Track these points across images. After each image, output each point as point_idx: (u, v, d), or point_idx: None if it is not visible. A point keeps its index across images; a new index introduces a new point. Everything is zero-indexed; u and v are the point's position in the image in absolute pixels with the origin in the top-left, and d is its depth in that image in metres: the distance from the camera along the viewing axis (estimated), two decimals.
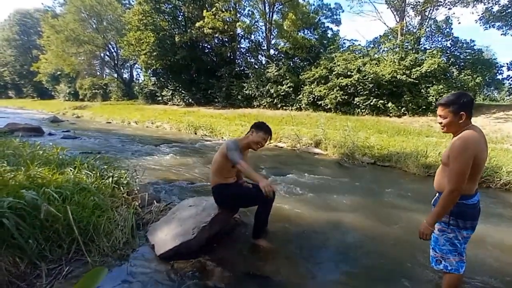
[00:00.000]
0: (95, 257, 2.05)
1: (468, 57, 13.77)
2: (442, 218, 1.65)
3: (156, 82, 23.93)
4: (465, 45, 14.14)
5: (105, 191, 2.74)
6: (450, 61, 13.69)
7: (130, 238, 2.36)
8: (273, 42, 19.91)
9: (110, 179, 3.01)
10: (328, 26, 21.03)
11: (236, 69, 19.83)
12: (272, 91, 16.41)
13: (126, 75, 33.60)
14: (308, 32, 19.87)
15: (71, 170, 2.90)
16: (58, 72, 32.71)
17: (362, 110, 13.72)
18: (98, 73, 35.97)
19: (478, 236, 2.72)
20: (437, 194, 1.80)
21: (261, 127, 2.45)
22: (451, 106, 1.60)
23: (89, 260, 1.99)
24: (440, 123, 1.66)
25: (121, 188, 3.03)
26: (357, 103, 13.76)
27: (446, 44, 14.78)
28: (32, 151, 3.40)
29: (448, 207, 1.57)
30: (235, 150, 2.30)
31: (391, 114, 13.00)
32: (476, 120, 10.76)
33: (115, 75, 32.48)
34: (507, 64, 14.70)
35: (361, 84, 13.46)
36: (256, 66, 19.57)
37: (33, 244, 1.89)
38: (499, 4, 13.75)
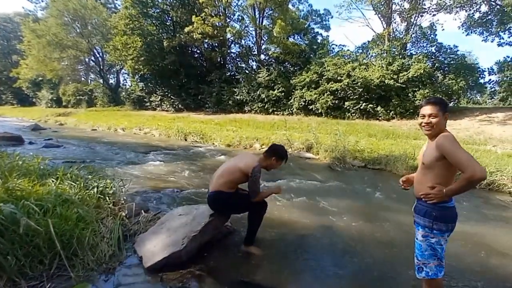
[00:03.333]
0: (79, 272, 1.96)
1: (452, 62, 14.35)
2: (426, 223, 1.66)
3: (144, 88, 23.59)
4: (449, 50, 14.73)
5: (90, 202, 2.65)
6: (435, 66, 14.21)
7: (117, 251, 2.28)
8: (263, 47, 20.10)
9: (95, 189, 2.91)
10: (317, 32, 21.54)
11: (227, 74, 19.86)
12: (263, 96, 16.50)
13: (112, 81, 33.03)
14: (298, 37, 20.22)
15: (52, 181, 2.78)
16: (40, 78, 31.71)
17: (353, 114, 13.97)
18: (83, 79, 35.15)
19: (462, 235, 2.77)
20: (416, 201, 1.80)
21: (282, 156, 2.53)
22: (440, 106, 1.63)
23: (73, 276, 1.90)
24: (429, 122, 1.63)
25: (107, 198, 2.92)
26: (348, 107, 14.01)
27: (431, 49, 15.36)
28: (11, 161, 3.23)
29: (461, 192, 1.55)
30: (258, 184, 2.41)
31: (380, 118, 13.31)
32: (461, 123, 11.14)
33: (101, 80, 31.83)
34: (488, 69, 15.43)
35: (351, 88, 13.74)
36: (247, 71, 19.67)
37: (12, 261, 1.80)
38: (480, 11, 14.44)
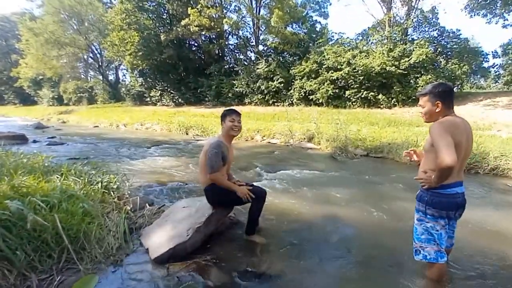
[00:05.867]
0: (87, 265, 2.00)
1: (455, 46, 14.05)
2: (419, 208, 1.72)
3: (144, 83, 23.50)
4: (451, 34, 14.39)
5: (95, 197, 2.67)
6: (438, 51, 13.94)
7: (123, 243, 2.31)
8: (261, 37, 19.80)
9: (99, 184, 2.93)
10: (316, 20, 21.00)
11: (225, 67, 19.67)
12: (263, 87, 16.36)
13: (111, 77, 32.94)
14: (297, 26, 19.80)
15: (57, 177, 2.81)
16: (40, 77, 31.77)
17: (354, 103, 13.84)
18: (83, 76, 35.14)
19: (466, 221, 2.76)
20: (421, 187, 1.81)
21: (225, 114, 2.52)
22: (428, 96, 1.68)
23: (81, 268, 1.93)
24: (421, 112, 1.76)
25: (111, 193, 2.95)
26: (348, 96, 13.87)
27: (433, 34, 15.02)
28: (16, 159, 3.26)
29: (442, 180, 1.55)
30: (215, 158, 2.31)
31: (382, 106, 13.17)
32: (464, 108, 11.00)
33: (100, 77, 31.75)
34: (492, 52, 15.10)
35: (351, 77, 13.56)
36: (246, 63, 19.45)
37: (21, 256, 1.82)
38: None
